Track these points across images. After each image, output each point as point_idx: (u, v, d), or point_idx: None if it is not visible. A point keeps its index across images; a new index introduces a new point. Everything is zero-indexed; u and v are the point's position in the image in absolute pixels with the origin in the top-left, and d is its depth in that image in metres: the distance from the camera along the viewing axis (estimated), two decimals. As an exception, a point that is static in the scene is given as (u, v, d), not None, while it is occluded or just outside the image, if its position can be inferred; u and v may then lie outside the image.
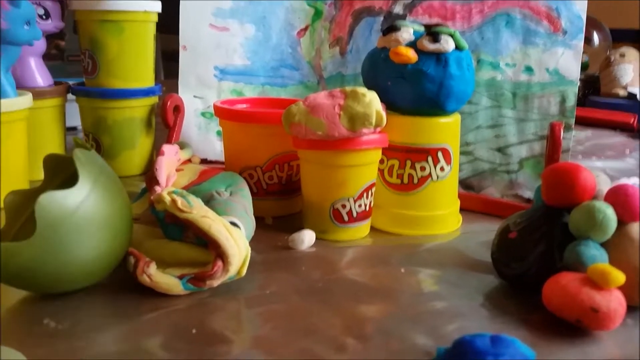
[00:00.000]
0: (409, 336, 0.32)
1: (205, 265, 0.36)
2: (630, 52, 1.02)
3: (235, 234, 0.36)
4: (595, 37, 1.20)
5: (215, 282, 0.35)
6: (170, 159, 0.46)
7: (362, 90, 0.44)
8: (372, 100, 0.44)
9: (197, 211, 0.36)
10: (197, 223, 0.35)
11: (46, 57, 0.65)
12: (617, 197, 0.35)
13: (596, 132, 0.89)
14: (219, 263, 0.35)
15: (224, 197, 0.41)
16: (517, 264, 0.37)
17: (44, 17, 0.62)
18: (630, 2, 1.26)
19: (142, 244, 0.38)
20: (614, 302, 0.32)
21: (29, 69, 0.62)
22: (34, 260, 0.31)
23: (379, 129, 0.45)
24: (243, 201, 0.42)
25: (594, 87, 1.05)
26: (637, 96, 0.94)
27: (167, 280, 0.35)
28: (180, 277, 0.35)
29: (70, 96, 0.64)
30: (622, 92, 0.99)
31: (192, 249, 0.37)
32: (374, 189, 0.47)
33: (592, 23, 1.22)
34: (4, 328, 0.32)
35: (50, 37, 0.67)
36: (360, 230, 0.47)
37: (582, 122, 0.92)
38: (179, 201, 0.36)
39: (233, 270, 0.35)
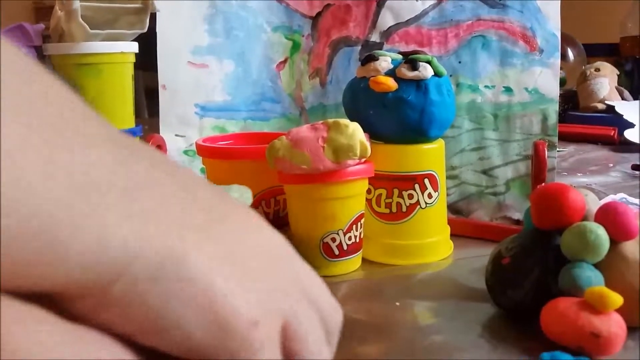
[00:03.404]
0: (409, 374, 0.31)
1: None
2: (604, 66, 1.04)
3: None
4: (570, 53, 1.23)
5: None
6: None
7: (345, 121, 0.44)
8: (355, 131, 0.43)
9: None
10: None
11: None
12: (607, 216, 0.35)
13: (578, 147, 0.90)
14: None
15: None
16: (513, 291, 0.36)
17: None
18: (602, 18, 1.30)
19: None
20: (614, 325, 0.31)
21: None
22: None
23: (363, 159, 0.45)
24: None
25: (573, 102, 1.07)
26: (616, 108, 0.95)
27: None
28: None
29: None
30: (600, 106, 1.01)
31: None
32: (363, 220, 0.46)
33: (565, 39, 1.25)
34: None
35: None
36: (352, 264, 0.46)
37: (564, 138, 0.93)
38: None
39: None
